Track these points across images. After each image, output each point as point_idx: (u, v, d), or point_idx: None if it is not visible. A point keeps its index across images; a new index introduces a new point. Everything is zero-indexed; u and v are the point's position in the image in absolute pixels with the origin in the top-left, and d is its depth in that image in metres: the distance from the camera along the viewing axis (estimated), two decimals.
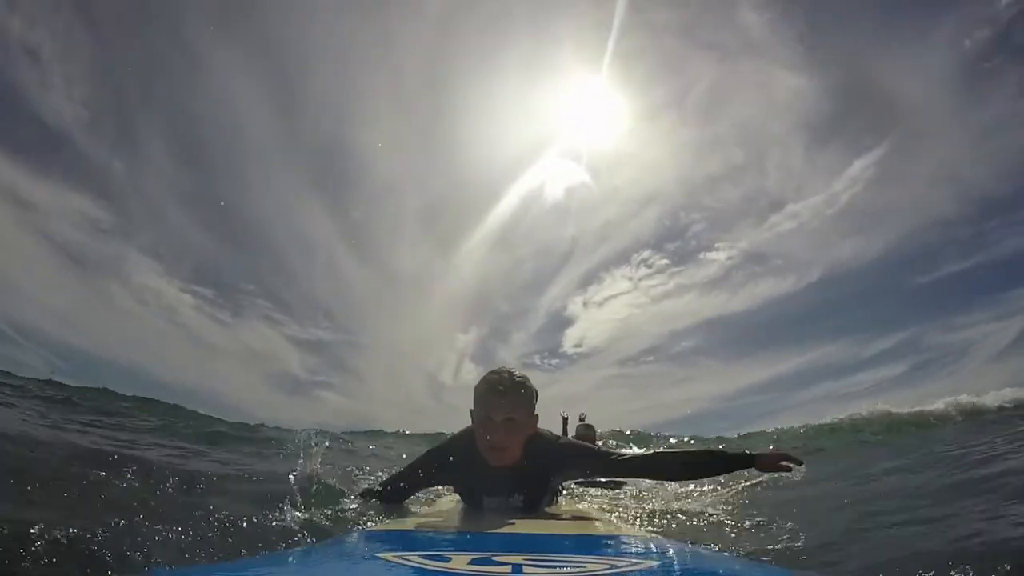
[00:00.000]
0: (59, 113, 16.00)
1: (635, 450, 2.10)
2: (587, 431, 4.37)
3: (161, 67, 19.11)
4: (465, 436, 1.99)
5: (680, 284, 21.42)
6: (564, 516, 2.23)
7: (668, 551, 1.46)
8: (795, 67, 20.37)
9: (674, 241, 22.63)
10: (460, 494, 2.20)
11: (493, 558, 1.12)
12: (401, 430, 11.12)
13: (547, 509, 2.34)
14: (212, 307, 17.94)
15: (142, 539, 1.91)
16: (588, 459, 2.00)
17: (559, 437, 2.09)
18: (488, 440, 1.85)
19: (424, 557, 1.12)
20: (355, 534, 1.80)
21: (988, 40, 17.75)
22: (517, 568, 1.00)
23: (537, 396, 1.94)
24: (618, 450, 2.13)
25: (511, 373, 1.88)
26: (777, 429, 10.89)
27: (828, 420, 10.33)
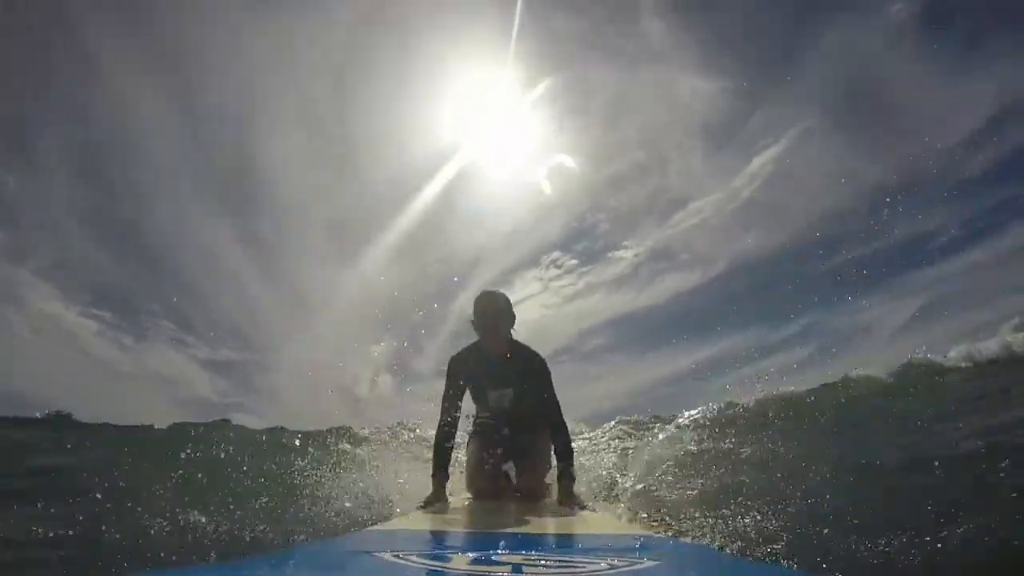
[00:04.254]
0: None
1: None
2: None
3: (58, 75, 17.47)
4: (470, 345, 2.68)
5: (590, 283, 21.69)
6: (564, 516, 2.24)
7: (668, 551, 1.47)
8: (695, 71, 20.86)
9: (582, 241, 23.01)
10: (473, 396, 2.74)
11: (493, 558, 1.12)
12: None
13: (546, 509, 2.35)
14: (115, 331, 16.66)
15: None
16: (545, 373, 2.64)
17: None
18: (484, 324, 2.57)
19: (424, 557, 1.12)
20: (355, 534, 1.80)
21: (881, 41, 18.29)
22: (517, 568, 1.00)
23: (510, 302, 2.66)
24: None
25: (494, 290, 2.68)
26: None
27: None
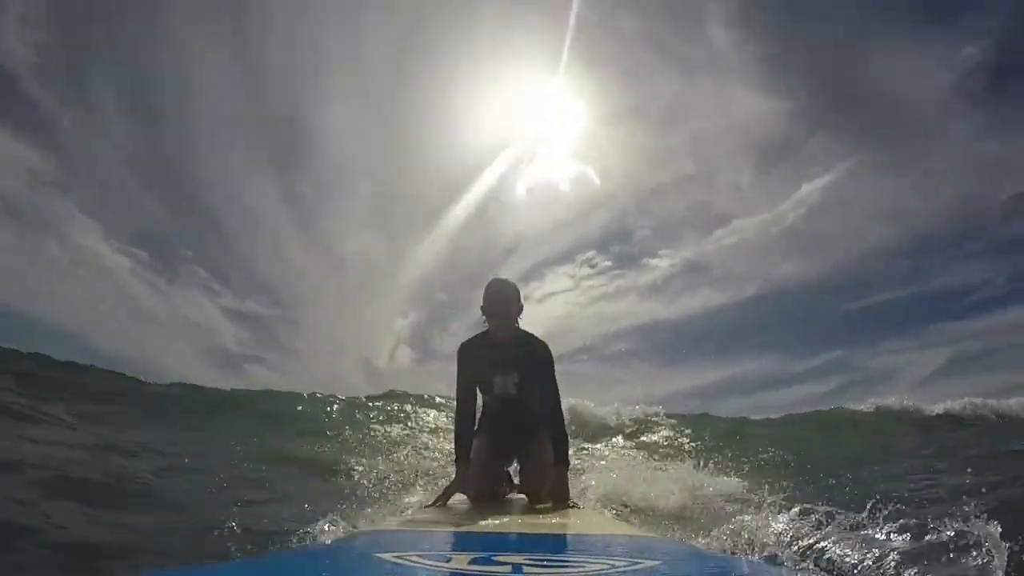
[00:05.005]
0: (10, 54, 15.09)
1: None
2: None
3: (119, 19, 17.87)
4: (478, 334, 2.74)
5: (620, 287, 21.56)
6: (564, 516, 2.24)
7: (668, 551, 1.47)
8: (756, 87, 20.60)
9: (619, 245, 22.72)
10: (480, 384, 2.76)
11: (493, 558, 1.12)
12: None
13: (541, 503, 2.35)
14: (148, 271, 17.11)
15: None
16: (549, 361, 2.71)
17: None
18: (493, 310, 2.62)
19: (424, 557, 1.12)
20: (355, 534, 1.80)
21: (948, 84, 18.08)
22: (517, 568, 1.00)
23: (518, 290, 2.71)
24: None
25: (504, 278, 2.73)
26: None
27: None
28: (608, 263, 21.50)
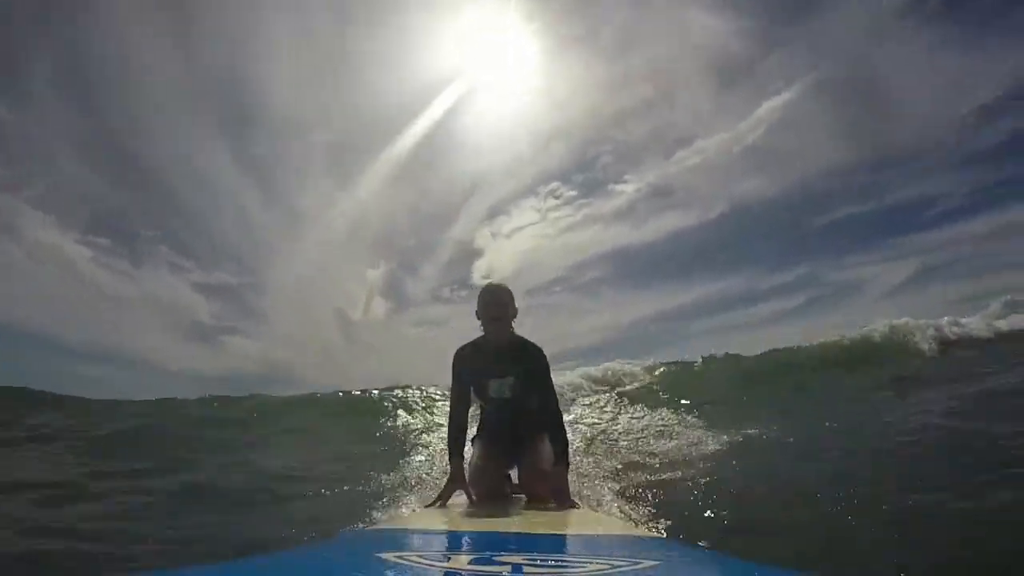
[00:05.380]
0: None
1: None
2: None
3: (51, 3, 17.34)
4: (473, 340, 2.77)
5: (587, 215, 21.40)
6: (564, 516, 2.24)
7: (668, 551, 1.47)
8: (710, 7, 20.30)
9: (582, 173, 22.47)
10: (476, 389, 2.80)
11: (493, 558, 1.12)
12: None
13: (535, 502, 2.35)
14: (111, 257, 16.86)
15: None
16: (545, 365, 2.73)
17: None
18: (488, 314, 2.64)
19: (424, 557, 1.12)
20: (355, 534, 1.80)
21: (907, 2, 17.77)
22: (517, 568, 1.00)
23: (513, 295, 2.73)
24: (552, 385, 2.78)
25: (498, 283, 2.75)
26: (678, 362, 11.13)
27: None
28: (573, 193, 21.51)
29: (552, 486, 2.59)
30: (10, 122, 16.72)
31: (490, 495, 2.73)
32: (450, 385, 2.82)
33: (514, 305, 2.73)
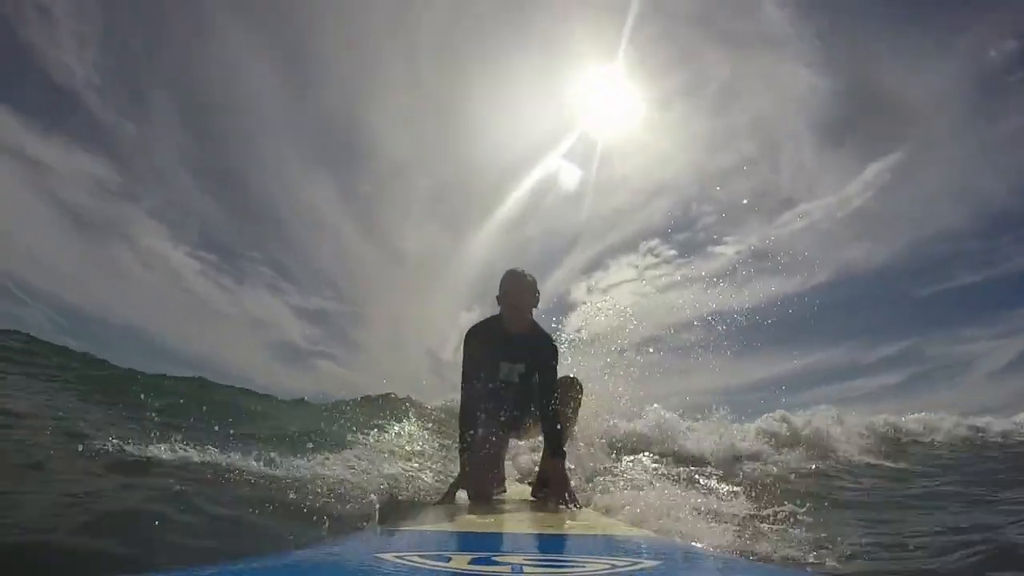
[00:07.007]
0: (70, 72, 15.68)
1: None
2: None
3: (172, 31, 18.90)
4: (487, 319, 2.83)
5: (686, 276, 21.15)
6: (564, 516, 2.24)
7: (668, 551, 1.47)
8: (813, 64, 20.00)
9: (683, 232, 22.43)
10: (485, 369, 2.79)
11: (493, 558, 1.12)
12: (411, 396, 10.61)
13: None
14: (216, 272, 17.92)
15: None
16: (555, 359, 2.78)
17: None
18: (510, 300, 2.68)
19: (424, 557, 1.12)
20: (355, 534, 1.80)
21: (1013, 52, 17.53)
22: (517, 568, 1.00)
23: (536, 283, 2.76)
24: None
25: (523, 270, 2.76)
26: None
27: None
28: (672, 252, 21.58)
29: (552, 479, 2.60)
30: (135, 138, 18.21)
31: (489, 493, 2.73)
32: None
33: (536, 293, 2.76)
